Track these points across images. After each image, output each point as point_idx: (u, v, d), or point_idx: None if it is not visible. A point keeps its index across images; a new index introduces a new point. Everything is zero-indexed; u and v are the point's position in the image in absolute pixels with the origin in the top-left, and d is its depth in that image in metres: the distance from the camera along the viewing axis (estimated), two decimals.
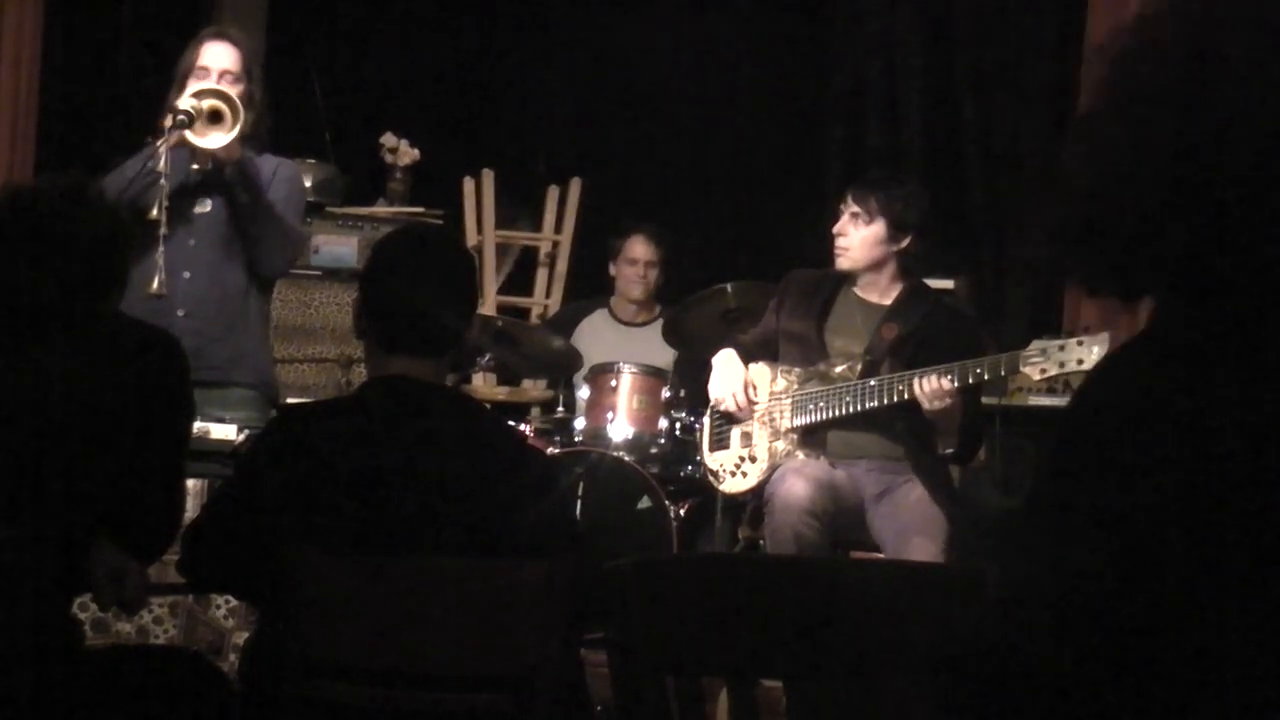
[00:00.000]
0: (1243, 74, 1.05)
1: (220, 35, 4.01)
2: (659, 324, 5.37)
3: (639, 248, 5.47)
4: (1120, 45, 1.13)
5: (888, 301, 4.08)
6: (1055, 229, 1.16)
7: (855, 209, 4.01)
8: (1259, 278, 1.06)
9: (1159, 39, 1.11)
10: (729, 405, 4.16)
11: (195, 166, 3.82)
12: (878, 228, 4.01)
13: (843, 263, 4.05)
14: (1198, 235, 1.07)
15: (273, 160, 3.99)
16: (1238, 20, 1.07)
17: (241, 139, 3.78)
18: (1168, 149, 1.07)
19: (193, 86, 3.79)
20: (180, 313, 3.78)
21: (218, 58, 3.89)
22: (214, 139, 3.72)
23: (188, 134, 3.69)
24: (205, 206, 3.90)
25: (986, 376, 3.75)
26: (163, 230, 3.66)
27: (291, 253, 4.09)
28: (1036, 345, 3.69)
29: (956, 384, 3.74)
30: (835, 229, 4.05)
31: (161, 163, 3.67)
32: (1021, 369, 3.71)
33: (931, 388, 3.73)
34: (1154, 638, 1.03)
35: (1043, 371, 3.67)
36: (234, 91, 3.80)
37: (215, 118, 3.73)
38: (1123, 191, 1.09)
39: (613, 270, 5.55)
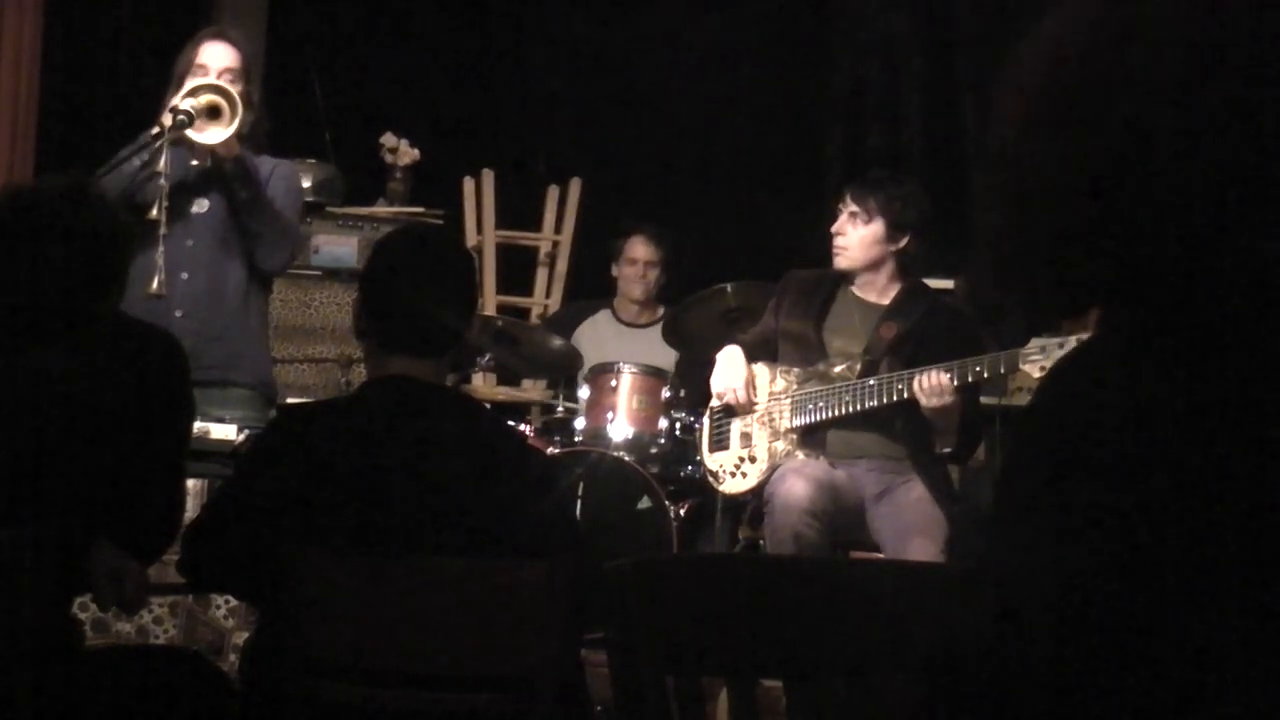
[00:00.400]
0: (1153, 85, 1.05)
1: (219, 35, 4.01)
2: (661, 325, 5.38)
3: (639, 248, 5.49)
4: (1025, 65, 1.14)
5: (886, 301, 4.08)
6: (987, 262, 1.17)
7: (854, 208, 4.01)
8: (1203, 279, 1.06)
9: (1065, 56, 1.11)
10: (730, 399, 4.16)
11: (195, 163, 3.83)
12: (876, 227, 4.01)
13: (840, 262, 4.05)
14: (1127, 250, 1.07)
15: (270, 161, 3.99)
16: (1153, 29, 1.07)
17: (240, 138, 3.78)
18: (1084, 166, 1.07)
19: (190, 83, 3.79)
20: (178, 313, 3.78)
21: (217, 57, 3.90)
22: (213, 134, 3.72)
23: (187, 130, 3.69)
24: (203, 206, 3.90)
25: (986, 375, 3.75)
26: (163, 230, 3.66)
27: (291, 249, 4.09)
28: (1036, 343, 3.69)
29: (956, 382, 3.74)
30: (834, 228, 4.06)
31: (161, 163, 3.68)
32: (1021, 367, 3.72)
33: (930, 385, 3.74)
34: (1153, 638, 1.03)
35: (1042, 369, 3.68)
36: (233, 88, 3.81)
37: (213, 113, 3.73)
38: (1044, 215, 1.10)
39: (615, 271, 5.56)
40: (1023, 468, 1.12)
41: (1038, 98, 1.12)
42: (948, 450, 3.90)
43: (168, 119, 3.69)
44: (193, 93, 3.73)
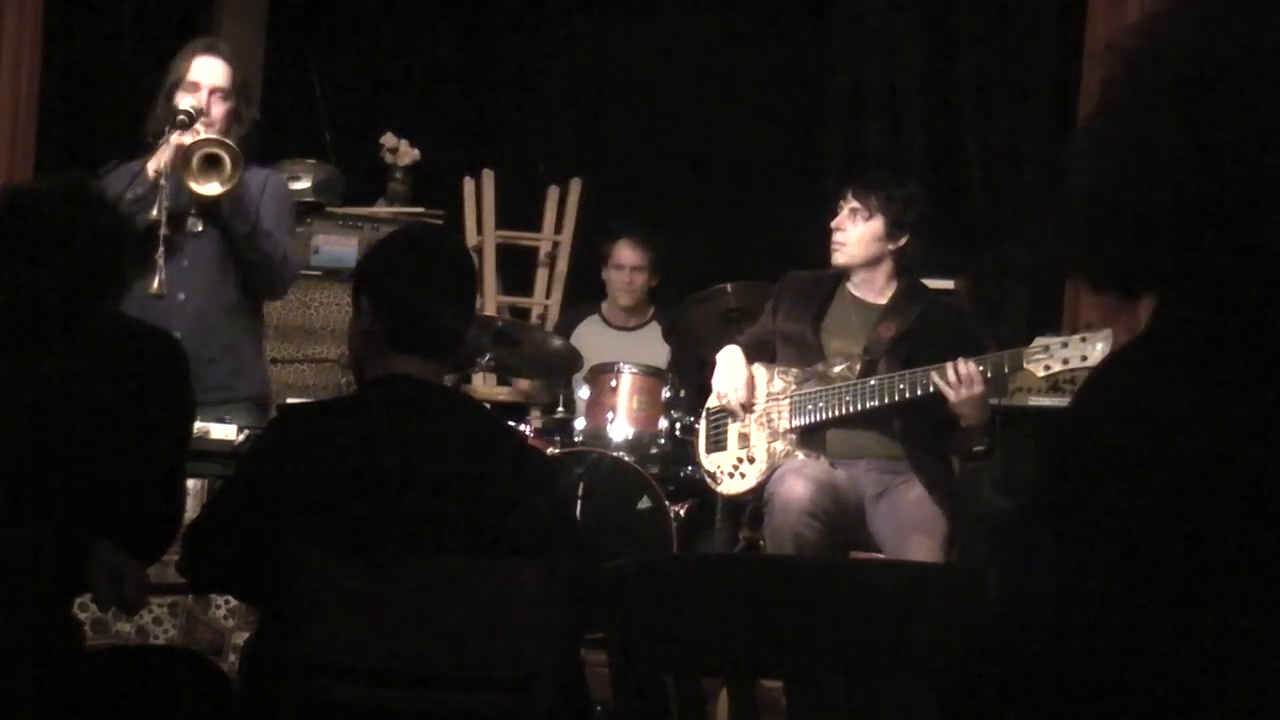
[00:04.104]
0: (1246, 77, 1.05)
1: (211, 49, 3.97)
2: (652, 325, 5.39)
3: (625, 253, 5.50)
4: (1127, 45, 1.13)
5: (884, 301, 4.08)
6: (1060, 225, 1.16)
7: (855, 204, 4.02)
8: (1259, 280, 1.06)
9: (1165, 39, 1.11)
10: (730, 401, 4.16)
11: (190, 198, 3.80)
12: (876, 224, 4.01)
13: (839, 258, 4.06)
14: (1198, 236, 1.07)
15: (260, 173, 3.97)
16: (1242, 22, 1.07)
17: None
18: (1170, 149, 1.07)
19: (191, 138, 3.72)
20: (177, 335, 3.77)
21: (208, 73, 3.87)
22: (212, 187, 3.71)
23: (190, 183, 3.67)
24: (198, 227, 3.88)
25: (990, 374, 3.75)
26: (163, 231, 3.66)
27: (288, 276, 4.09)
28: (1040, 342, 3.69)
29: (991, 373, 3.72)
30: (833, 224, 4.06)
31: (161, 163, 3.68)
32: (1025, 365, 3.72)
33: (960, 376, 3.71)
34: (1153, 638, 1.03)
35: (1046, 368, 3.68)
36: (221, 112, 3.80)
37: (213, 162, 3.71)
38: (1126, 190, 1.10)
39: (604, 275, 5.58)
40: (1071, 469, 1.11)
41: (1133, 79, 1.11)
42: (979, 449, 3.88)
43: (165, 165, 3.67)
44: (194, 146, 3.70)
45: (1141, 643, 1.03)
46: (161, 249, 3.65)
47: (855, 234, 4.03)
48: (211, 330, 3.89)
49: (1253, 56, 1.06)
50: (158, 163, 3.72)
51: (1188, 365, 1.09)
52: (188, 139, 3.71)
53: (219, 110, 3.85)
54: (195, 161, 3.68)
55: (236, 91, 3.89)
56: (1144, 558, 1.03)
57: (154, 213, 3.64)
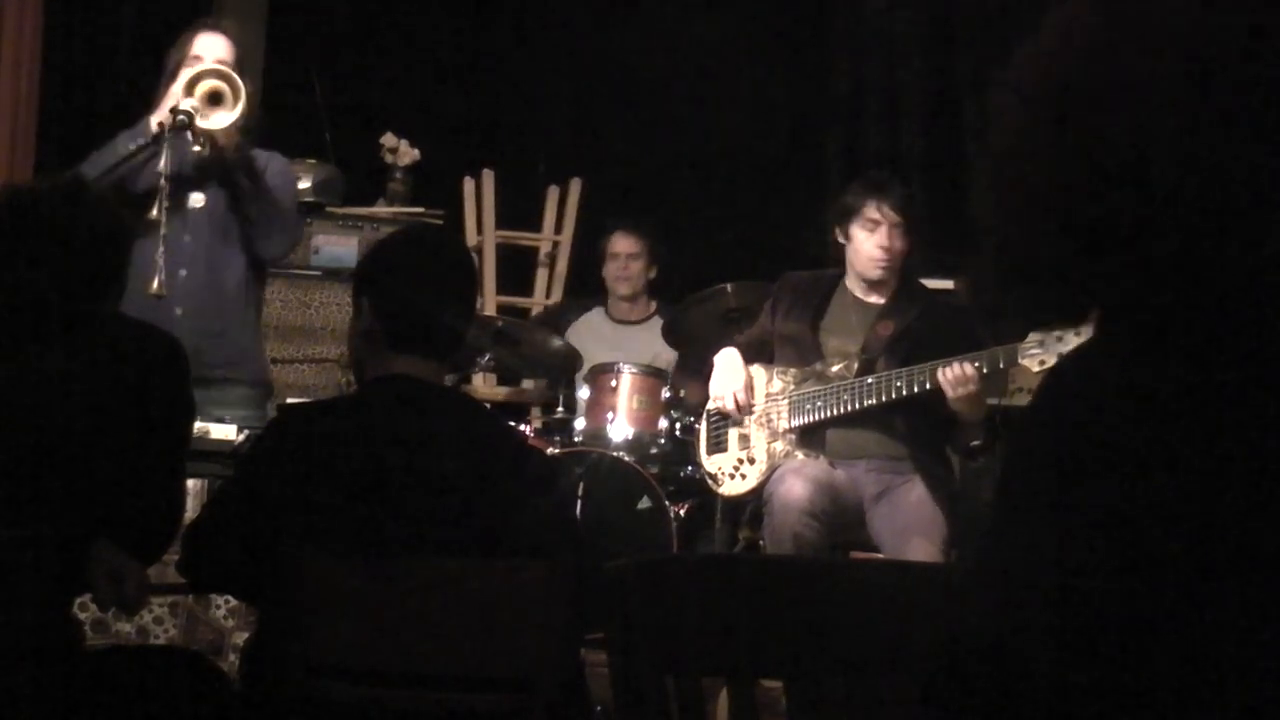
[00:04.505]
0: (1151, 90, 1.05)
1: (214, 26, 4.00)
2: (654, 321, 5.38)
3: (619, 242, 5.52)
4: (1008, 75, 1.14)
5: (882, 300, 4.08)
6: (989, 262, 1.17)
7: (896, 219, 3.98)
8: (1197, 282, 1.06)
9: (1042, 65, 1.11)
10: (728, 403, 4.16)
11: (196, 149, 3.80)
12: (910, 236, 4.02)
13: (884, 275, 4.02)
14: (1127, 252, 1.07)
15: (263, 154, 3.98)
16: (1151, 35, 1.07)
17: (239, 131, 3.77)
18: (1084, 169, 1.08)
19: (187, 72, 3.77)
20: (179, 311, 3.77)
21: (210, 49, 3.89)
22: (219, 118, 3.72)
23: (199, 122, 3.68)
24: (200, 201, 3.89)
25: (986, 370, 3.75)
26: (163, 230, 3.66)
27: (291, 237, 4.09)
28: (1034, 337, 3.69)
29: (986, 370, 3.72)
30: (877, 243, 4.00)
31: (161, 162, 3.67)
32: (1020, 361, 3.71)
33: (954, 375, 3.72)
34: (1154, 637, 1.03)
35: (1041, 363, 3.67)
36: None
37: (216, 99, 3.72)
38: (1046, 217, 1.10)
39: (603, 272, 5.59)
40: (1024, 467, 1.12)
41: (1039, 100, 1.12)
42: (976, 444, 3.89)
43: (167, 118, 3.68)
44: (194, 82, 3.72)
45: (1141, 643, 1.03)
46: (161, 249, 3.64)
47: (899, 249, 4.01)
48: (214, 305, 3.89)
49: (1150, 64, 1.06)
50: (160, 115, 3.73)
51: (1140, 361, 1.09)
52: (187, 75, 3.73)
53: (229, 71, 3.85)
54: (200, 97, 3.70)
55: (239, 68, 3.90)
56: (1145, 558, 1.03)
57: (160, 165, 3.64)
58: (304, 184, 5.47)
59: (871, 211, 4.00)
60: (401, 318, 2.54)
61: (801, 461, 3.99)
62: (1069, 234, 1.08)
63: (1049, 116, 1.10)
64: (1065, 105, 1.08)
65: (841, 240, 4.10)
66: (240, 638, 3.67)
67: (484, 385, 5.60)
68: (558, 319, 5.64)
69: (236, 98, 3.71)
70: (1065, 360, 1.20)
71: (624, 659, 1.40)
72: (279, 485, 2.39)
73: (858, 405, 3.92)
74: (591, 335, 5.45)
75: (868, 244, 4.00)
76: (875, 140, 6.07)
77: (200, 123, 3.69)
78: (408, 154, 6.10)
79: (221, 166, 3.83)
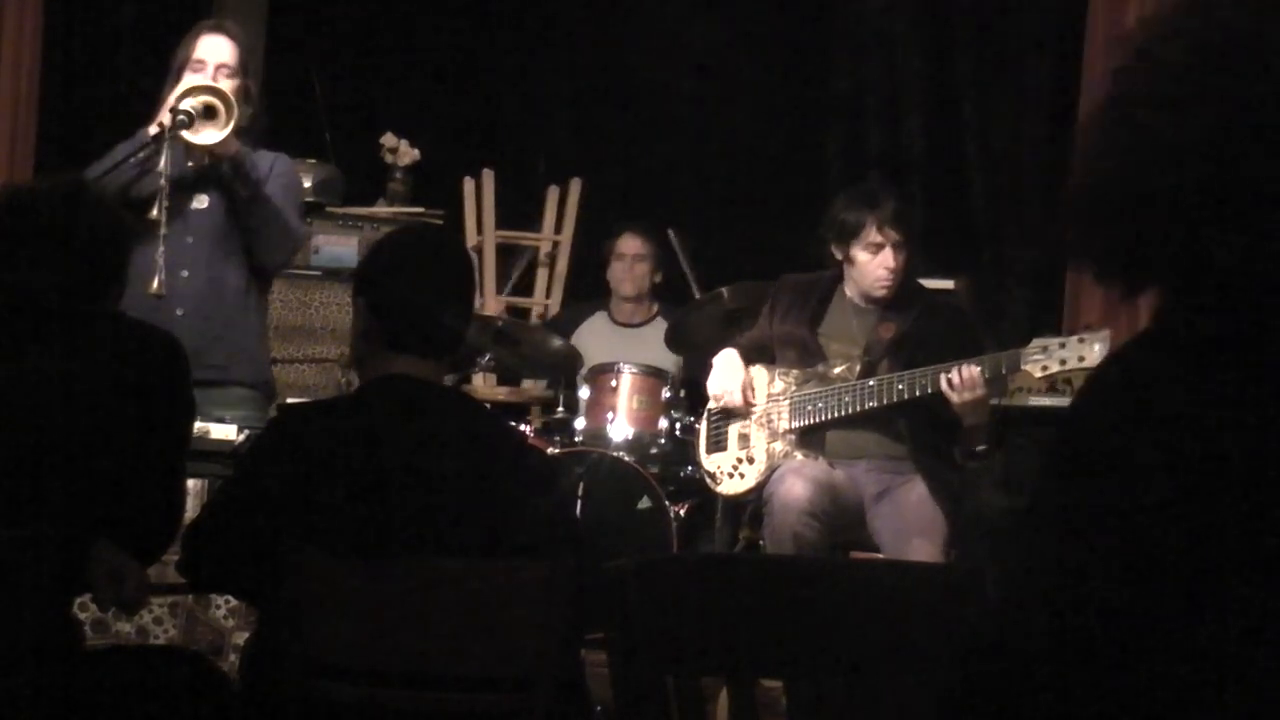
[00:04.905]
0: (1260, 75, 1.05)
1: (217, 28, 3.99)
2: (657, 323, 5.38)
3: (626, 243, 5.51)
4: (1140, 36, 1.13)
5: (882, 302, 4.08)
6: (1066, 213, 1.16)
7: (897, 238, 3.95)
8: (1262, 279, 1.06)
9: (1179, 32, 1.10)
10: (728, 401, 4.16)
11: (191, 164, 3.81)
12: (910, 249, 4.00)
13: (888, 293, 4.00)
14: (1204, 230, 1.06)
15: (268, 155, 3.98)
16: (1258, 20, 1.07)
17: (238, 133, 3.77)
18: (1180, 145, 1.07)
19: (185, 82, 3.77)
20: (179, 311, 3.76)
21: (214, 51, 3.88)
22: (208, 135, 3.71)
23: (183, 132, 3.68)
24: (202, 203, 3.89)
25: (988, 375, 3.75)
26: (163, 231, 3.65)
27: (291, 246, 4.08)
28: (1038, 343, 3.69)
29: (989, 375, 3.72)
30: (882, 262, 3.97)
31: (161, 162, 3.67)
32: (1023, 366, 3.71)
33: (961, 380, 3.71)
34: (1154, 637, 1.03)
35: (1044, 369, 3.67)
36: (229, 86, 3.79)
37: (209, 113, 3.72)
38: (1133, 180, 1.09)
39: (607, 273, 5.58)
40: (1072, 469, 1.11)
41: (1146, 73, 1.11)
42: (981, 448, 3.87)
43: (167, 118, 3.68)
44: (189, 93, 3.72)
45: (1142, 643, 1.03)
46: (161, 249, 3.64)
47: (901, 266, 3.98)
48: (215, 306, 3.88)
49: (1266, 50, 1.05)
50: (159, 119, 3.73)
51: (1189, 364, 1.08)
52: (184, 85, 3.73)
53: (226, 87, 3.85)
54: (195, 107, 3.70)
55: (243, 69, 3.90)
56: (1145, 558, 1.03)
57: (160, 165, 3.64)
58: (304, 184, 5.46)
59: (873, 235, 3.94)
60: (401, 318, 2.54)
61: (801, 461, 3.99)
62: (1184, 191, 1.07)
63: (1197, 81, 1.08)
64: (1233, 58, 1.07)
65: (840, 257, 4.04)
66: (240, 638, 3.67)
67: (484, 385, 5.60)
68: (562, 325, 5.64)
69: (229, 116, 3.70)
70: (1108, 362, 1.18)
71: (624, 659, 1.40)
72: (279, 485, 2.39)
73: (859, 407, 3.92)
74: (595, 340, 5.45)
75: (872, 265, 3.97)
76: (875, 140, 6.07)
77: (189, 137, 3.69)
78: (408, 154, 6.09)
79: (217, 177, 3.83)
